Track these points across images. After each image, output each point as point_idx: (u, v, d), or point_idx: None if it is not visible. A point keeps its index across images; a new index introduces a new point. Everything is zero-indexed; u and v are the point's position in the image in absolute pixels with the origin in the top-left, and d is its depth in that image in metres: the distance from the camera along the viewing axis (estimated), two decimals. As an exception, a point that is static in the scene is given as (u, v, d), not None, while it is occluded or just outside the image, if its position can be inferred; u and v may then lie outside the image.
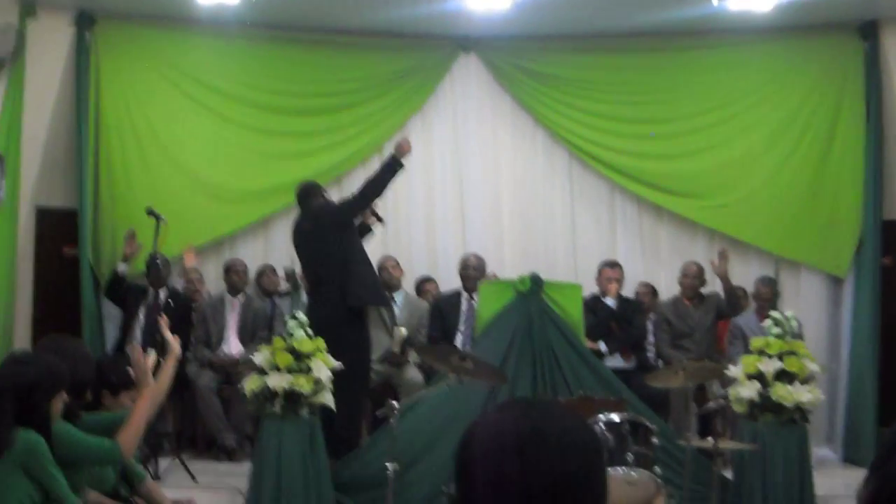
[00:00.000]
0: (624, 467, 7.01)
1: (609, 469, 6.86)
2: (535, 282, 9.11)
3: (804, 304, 11.31)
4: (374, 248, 11.30)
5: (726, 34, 11.43)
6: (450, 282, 11.39)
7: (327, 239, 9.21)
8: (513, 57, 11.81)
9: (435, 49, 11.82)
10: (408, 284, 11.45)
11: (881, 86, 11.16)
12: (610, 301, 10.73)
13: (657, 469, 7.13)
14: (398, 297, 11.03)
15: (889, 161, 11.17)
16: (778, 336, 8.57)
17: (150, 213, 9.35)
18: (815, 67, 11.44)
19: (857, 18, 11.15)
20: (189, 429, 11.09)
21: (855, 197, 11.17)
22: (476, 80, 11.92)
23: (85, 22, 11.00)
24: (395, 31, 11.51)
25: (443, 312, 10.84)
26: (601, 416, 7.20)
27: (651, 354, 11.00)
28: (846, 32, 11.29)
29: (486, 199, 11.87)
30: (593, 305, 10.61)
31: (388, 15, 10.96)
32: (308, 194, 9.70)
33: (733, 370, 8.55)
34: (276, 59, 11.61)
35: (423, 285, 11.52)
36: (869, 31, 11.19)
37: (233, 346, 10.98)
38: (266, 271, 11.39)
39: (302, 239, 9.48)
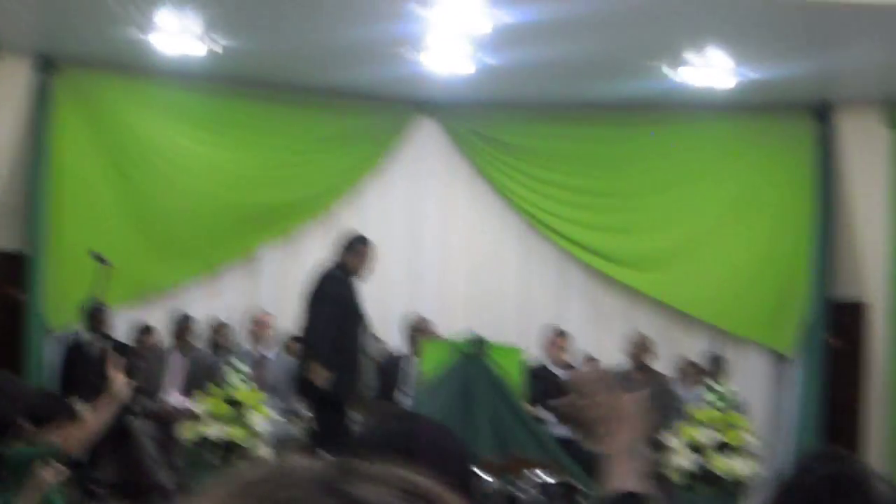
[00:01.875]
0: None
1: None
2: (478, 343, 9.23)
3: (749, 381, 11.44)
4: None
5: (684, 110, 11.69)
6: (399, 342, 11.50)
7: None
8: (472, 123, 12.08)
9: (394, 111, 12.05)
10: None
11: (832, 167, 11.46)
12: (557, 369, 10.79)
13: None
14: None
15: (838, 241, 11.42)
16: (720, 409, 8.68)
17: (96, 256, 9.39)
18: (770, 146, 11.74)
19: (812, 100, 11.46)
20: (128, 477, 11.01)
21: (802, 276, 11.42)
22: (434, 144, 12.14)
23: (47, 66, 11.09)
24: (356, 90, 11.72)
25: (386, 372, 10.86)
26: (535, 476, 7.40)
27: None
28: (801, 113, 11.62)
29: (439, 261, 12.06)
30: (542, 373, 10.69)
31: (350, 74, 11.15)
32: (350, 250, 9.77)
33: (672, 440, 8.67)
34: (236, 112, 11.76)
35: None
36: (823, 113, 11.50)
37: (175, 397, 10.97)
38: (220, 328, 11.40)
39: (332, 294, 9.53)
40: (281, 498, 0.97)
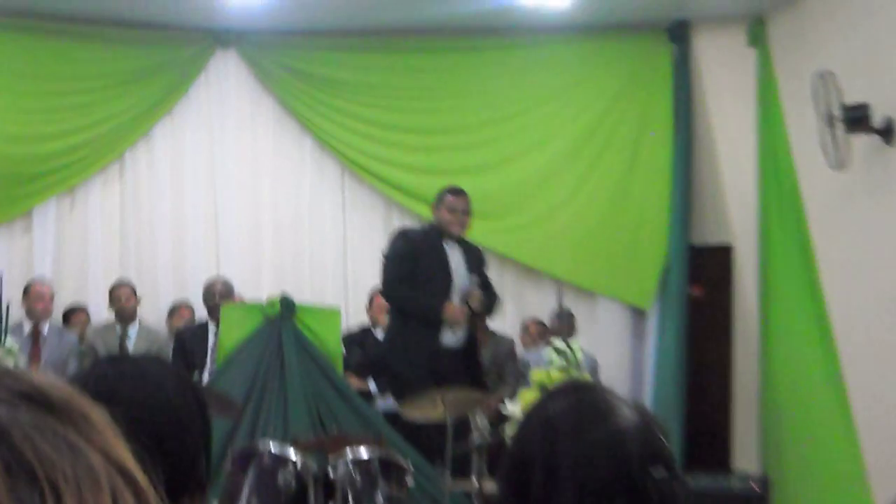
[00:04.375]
0: (370, 511, 6.69)
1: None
2: (286, 305, 8.70)
3: (602, 337, 11.06)
4: (109, 270, 10.92)
5: (521, 33, 11.16)
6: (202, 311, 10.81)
7: None
8: (277, 54, 11.39)
9: (188, 43, 11.30)
10: (151, 312, 10.98)
11: (691, 93, 10.98)
12: (381, 333, 10.18)
13: (409, 513, 6.82)
14: (132, 330, 10.51)
15: (698, 178, 10.98)
16: (561, 368, 8.32)
17: None
18: (619, 73, 11.20)
19: (665, 19, 10.96)
20: None
21: (660, 218, 10.91)
22: (235, 80, 11.42)
23: None
24: (144, 21, 10.98)
25: (185, 346, 10.21)
26: (349, 452, 6.82)
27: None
28: (653, 34, 11.09)
29: (244, 215, 11.35)
30: (362, 338, 10.23)
31: (139, 3, 10.50)
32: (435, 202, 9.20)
33: (510, 406, 8.24)
34: (10, 49, 10.88)
35: (176, 312, 10.95)
36: (678, 33, 10.99)
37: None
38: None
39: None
40: None
